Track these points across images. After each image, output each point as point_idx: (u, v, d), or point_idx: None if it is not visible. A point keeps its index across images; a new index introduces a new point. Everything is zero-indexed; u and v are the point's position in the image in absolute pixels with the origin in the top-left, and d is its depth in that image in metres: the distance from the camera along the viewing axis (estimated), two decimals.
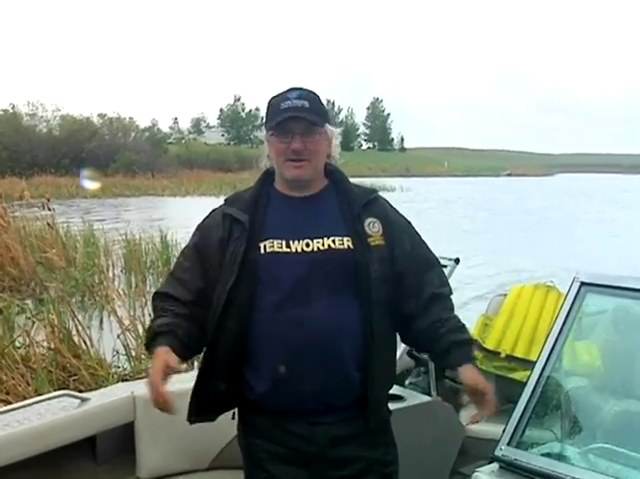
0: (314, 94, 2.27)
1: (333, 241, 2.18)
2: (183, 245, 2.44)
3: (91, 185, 43.97)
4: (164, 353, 2.14)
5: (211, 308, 2.21)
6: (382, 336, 2.21)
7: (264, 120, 2.29)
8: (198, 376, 2.29)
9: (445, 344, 2.23)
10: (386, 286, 2.22)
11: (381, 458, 2.27)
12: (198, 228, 2.35)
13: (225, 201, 2.35)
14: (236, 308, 2.17)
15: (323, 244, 2.18)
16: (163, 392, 2.08)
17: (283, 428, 2.20)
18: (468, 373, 2.21)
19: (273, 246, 2.18)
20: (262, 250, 2.18)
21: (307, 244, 2.18)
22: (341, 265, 2.17)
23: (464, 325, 2.32)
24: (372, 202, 2.29)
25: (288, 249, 2.17)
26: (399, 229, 2.31)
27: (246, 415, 2.29)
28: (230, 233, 2.23)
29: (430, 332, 2.25)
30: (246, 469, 2.31)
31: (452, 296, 2.35)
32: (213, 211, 2.35)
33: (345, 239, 2.19)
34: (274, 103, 2.24)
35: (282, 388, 2.16)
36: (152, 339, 2.22)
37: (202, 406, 2.28)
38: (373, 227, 2.24)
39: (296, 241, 2.18)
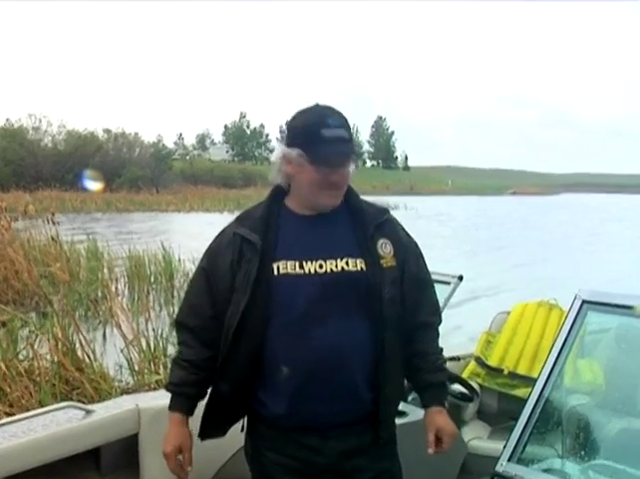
0: (345, 117, 2.21)
1: (346, 263, 2.18)
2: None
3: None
4: (178, 431, 2.25)
5: (223, 330, 2.21)
6: (393, 357, 2.22)
7: (292, 138, 2.19)
8: (210, 397, 2.29)
9: (422, 383, 2.32)
10: (397, 307, 2.23)
11: (389, 469, 2.29)
12: (208, 250, 2.32)
13: (236, 219, 2.31)
14: (250, 329, 2.17)
15: (336, 266, 2.17)
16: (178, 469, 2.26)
17: (294, 441, 2.20)
18: (437, 417, 2.29)
19: (287, 268, 2.17)
20: (275, 272, 2.17)
21: (320, 266, 2.17)
22: (354, 287, 2.17)
23: (444, 362, 2.37)
24: (384, 222, 2.28)
25: (302, 271, 2.16)
26: (407, 249, 2.31)
27: (255, 427, 2.29)
28: (242, 254, 2.20)
29: (411, 364, 2.31)
30: None
31: (439, 325, 2.39)
32: (224, 230, 2.31)
33: (358, 260, 2.19)
34: (312, 126, 2.15)
35: (295, 408, 2.17)
36: (171, 393, 2.30)
37: (215, 423, 2.31)
38: (385, 248, 2.24)
39: (309, 262, 2.17)
